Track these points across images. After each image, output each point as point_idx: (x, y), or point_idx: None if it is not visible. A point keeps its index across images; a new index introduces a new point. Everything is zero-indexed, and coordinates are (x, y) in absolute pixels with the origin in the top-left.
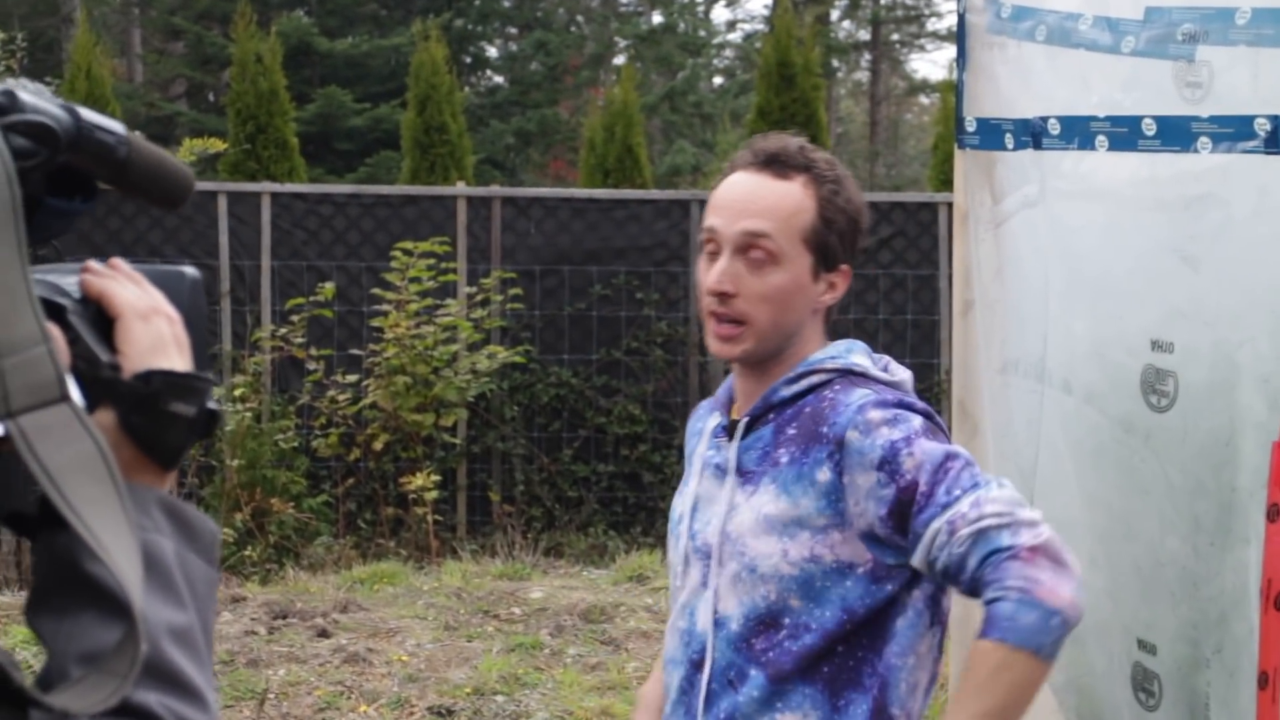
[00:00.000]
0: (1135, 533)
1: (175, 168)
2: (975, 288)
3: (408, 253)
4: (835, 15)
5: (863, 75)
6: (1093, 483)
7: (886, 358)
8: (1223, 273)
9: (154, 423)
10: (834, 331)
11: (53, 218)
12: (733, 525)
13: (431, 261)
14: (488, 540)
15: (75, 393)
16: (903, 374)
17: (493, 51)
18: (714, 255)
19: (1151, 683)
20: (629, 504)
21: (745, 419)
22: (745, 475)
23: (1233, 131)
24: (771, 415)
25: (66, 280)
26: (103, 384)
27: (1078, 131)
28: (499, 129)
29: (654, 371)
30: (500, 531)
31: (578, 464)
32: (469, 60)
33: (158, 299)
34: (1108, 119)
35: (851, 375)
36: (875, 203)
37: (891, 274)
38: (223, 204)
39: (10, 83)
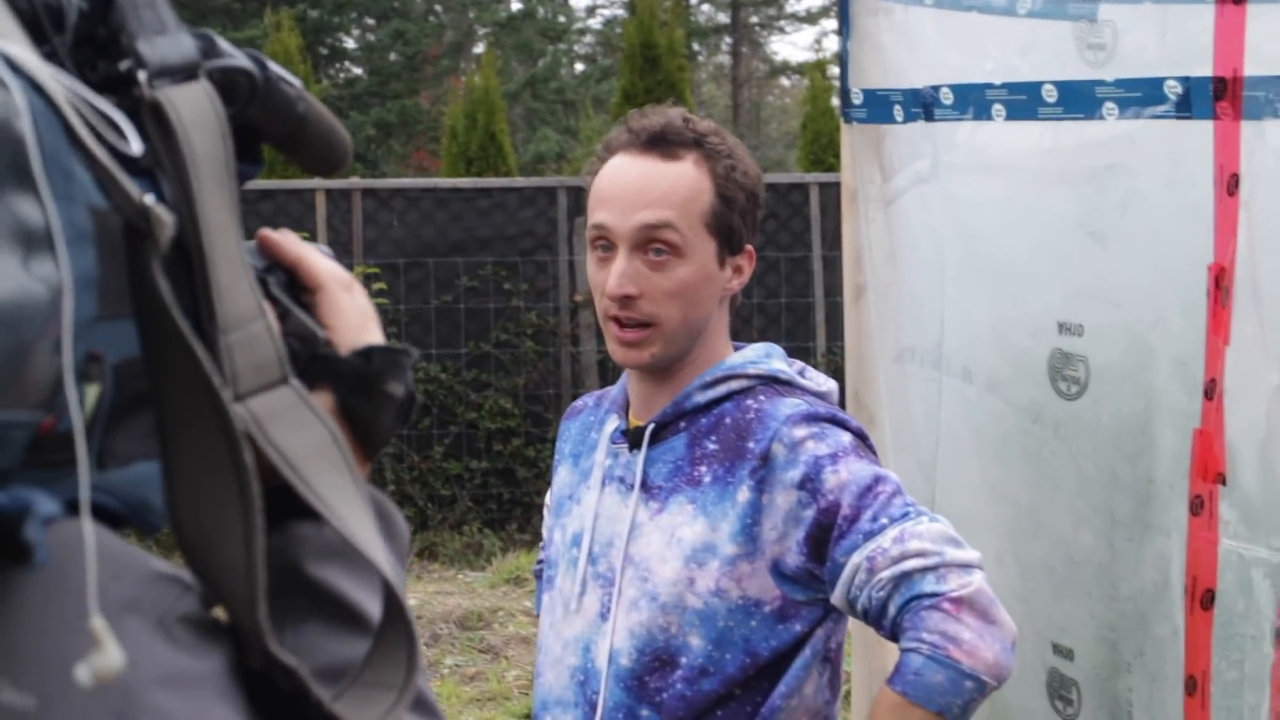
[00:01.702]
0: (1046, 529)
1: (341, 128)
2: (867, 271)
3: None
4: None
5: (724, 59)
6: (998, 476)
7: (801, 364)
8: (1133, 248)
9: (373, 405)
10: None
11: None
12: (636, 547)
13: None
14: None
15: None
16: (828, 384)
17: (350, 43)
18: (606, 254)
19: (1069, 690)
20: (504, 500)
21: (650, 426)
22: (651, 491)
23: (1140, 96)
24: (683, 424)
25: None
26: (320, 363)
27: (972, 100)
28: (358, 120)
29: (525, 364)
30: None
31: (449, 461)
32: (326, 52)
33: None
34: (1005, 86)
35: (776, 383)
36: None
37: (764, 256)
38: None
39: None
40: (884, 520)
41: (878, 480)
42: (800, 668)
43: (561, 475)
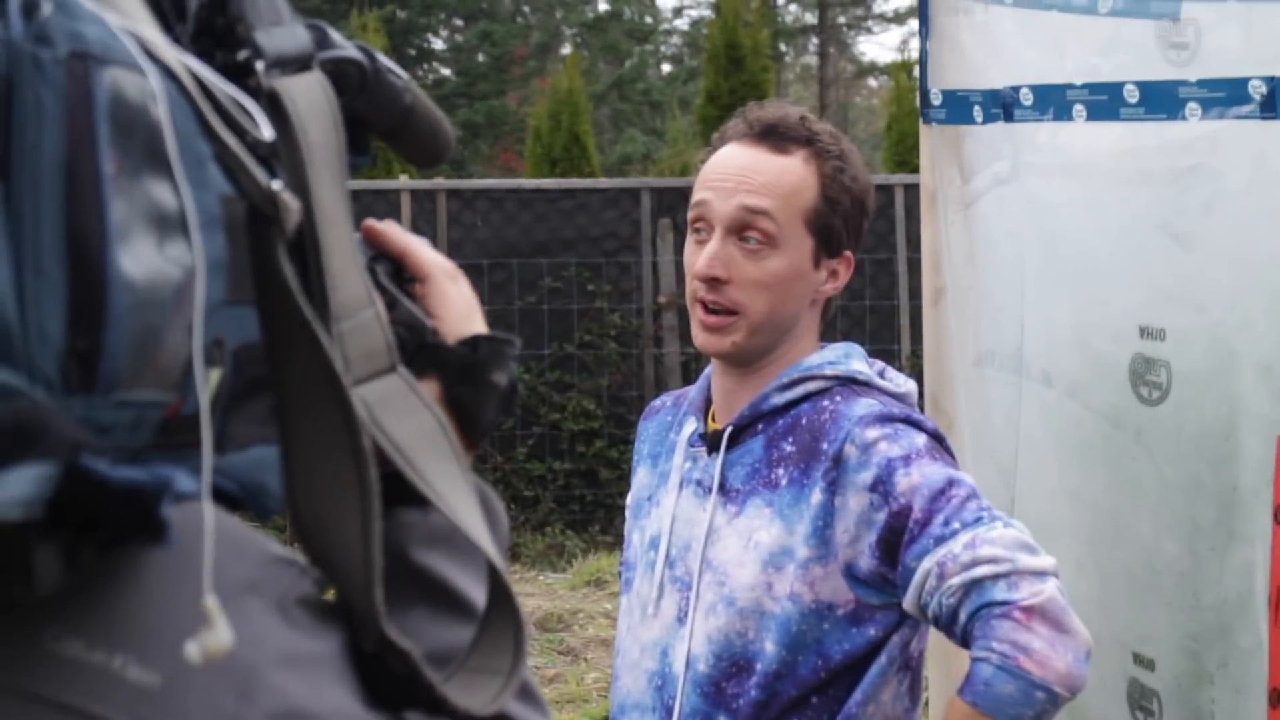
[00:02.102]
0: (1127, 536)
1: (445, 120)
2: (946, 274)
3: None
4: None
5: (811, 59)
6: (1078, 482)
7: (882, 364)
8: (1216, 250)
9: (478, 394)
10: None
11: None
12: (714, 551)
13: None
14: None
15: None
16: (907, 385)
17: (439, 43)
18: (703, 236)
19: (1150, 700)
20: (586, 502)
21: (729, 429)
22: (729, 494)
23: (1224, 96)
24: (760, 426)
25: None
26: (427, 352)
27: (1053, 101)
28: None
29: (608, 365)
30: None
31: (532, 462)
32: (413, 53)
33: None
34: (1085, 86)
35: (853, 384)
36: None
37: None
38: None
39: None
40: (956, 525)
41: (951, 483)
42: (877, 674)
43: (640, 476)
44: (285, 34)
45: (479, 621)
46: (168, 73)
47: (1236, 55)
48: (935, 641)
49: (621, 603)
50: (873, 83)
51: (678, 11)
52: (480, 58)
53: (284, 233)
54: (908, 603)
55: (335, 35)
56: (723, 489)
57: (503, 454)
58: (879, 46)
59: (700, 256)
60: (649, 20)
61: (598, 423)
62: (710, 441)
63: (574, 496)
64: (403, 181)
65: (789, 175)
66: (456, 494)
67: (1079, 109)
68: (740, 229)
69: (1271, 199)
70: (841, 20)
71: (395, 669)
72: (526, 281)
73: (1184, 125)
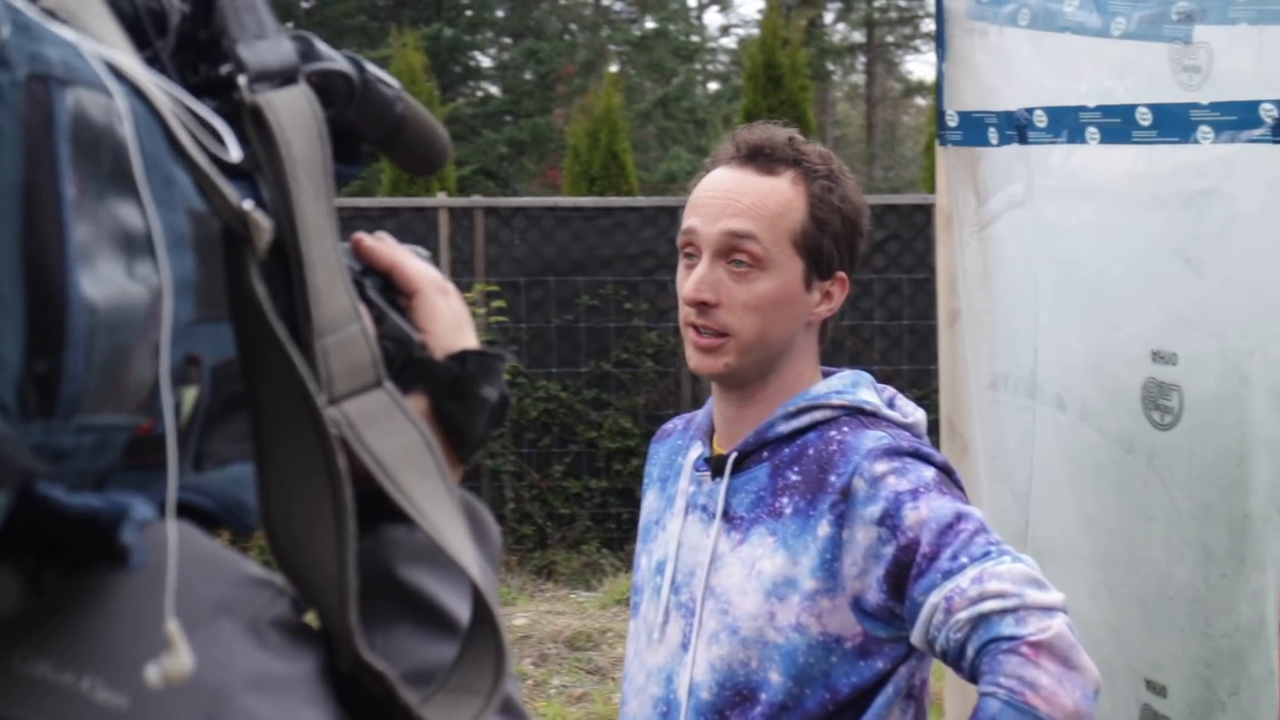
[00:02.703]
0: (1139, 562)
1: (439, 128)
2: (961, 296)
3: None
4: (829, 18)
5: (858, 78)
6: (1092, 507)
7: (892, 391)
8: (1228, 275)
9: (466, 409)
10: (830, 341)
11: None
12: (717, 579)
13: None
14: None
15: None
16: (916, 414)
17: (486, 61)
18: (692, 259)
19: None
20: (623, 520)
21: (733, 455)
22: (733, 521)
23: (1236, 119)
24: (765, 453)
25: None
26: (415, 367)
27: (1066, 123)
28: (491, 138)
29: (645, 383)
30: None
31: (569, 480)
32: (459, 70)
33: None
34: (1098, 109)
35: (861, 415)
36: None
37: (886, 278)
38: None
39: None
40: (964, 559)
41: (959, 518)
42: (883, 705)
43: (649, 500)
44: (269, 47)
45: (462, 640)
46: (136, 92)
47: (1248, 79)
48: (953, 671)
49: (630, 626)
50: (920, 101)
51: (724, 30)
52: (527, 75)
53: (256, 251)
54: (915, 637)
55: (322, 47)
56: (727, 516)
57: (539, 471)
58: (926, 65)
59: (689, 281)
60: (695, 39)
61: (634, 441)
62: (715, 467)
63: (610, 514)
64: (441, 199)
65: (775, 196)
66: (439, 511)
67: (1092, 131)
68: (728, 252)
69: None
70: (889, 39)
71: (372, 690)
72: (563, 299)
73: (1196, 149)
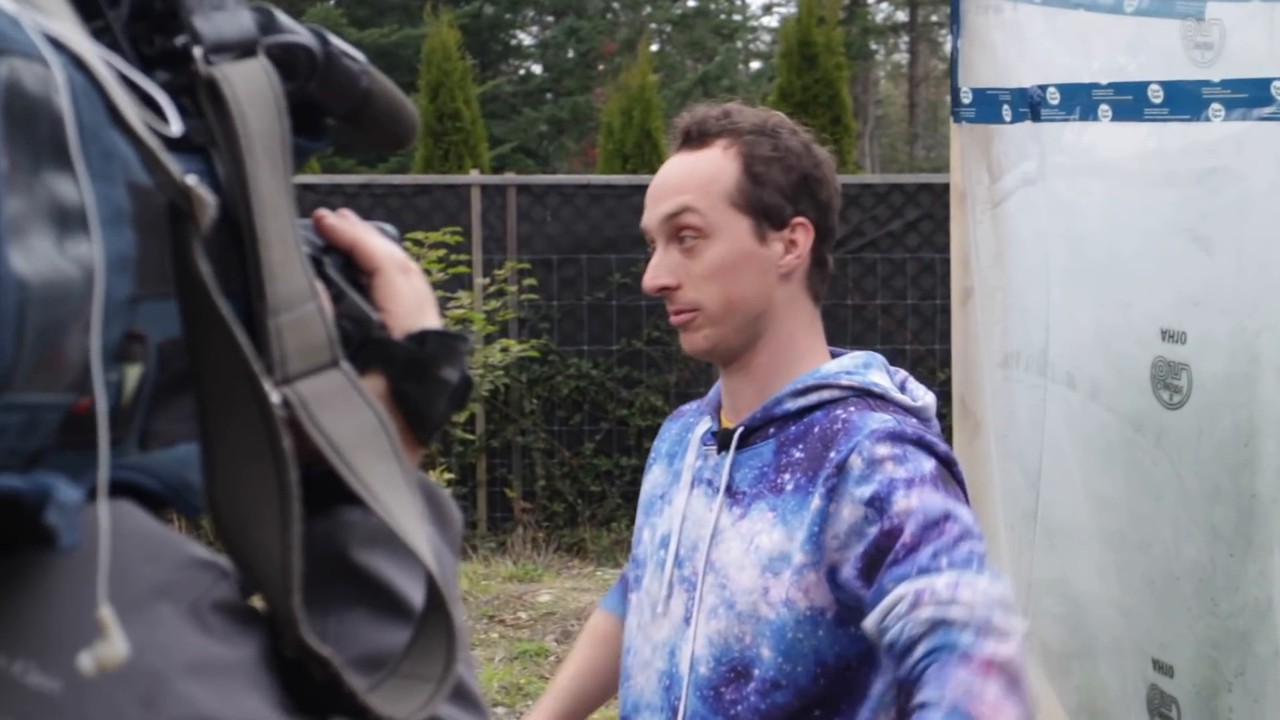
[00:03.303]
0: (1148, 541)
1: (407, 103)
2: (974, 274)
3: (418, 244)
4: None
5: (901, 57)
6: (1101, 486)
7: (904, 374)
8: (1239, 254)
9: (425, 390)
10: (861, 319)
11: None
12: (717, 553)
13: (443, 253)
14: (508, 537)
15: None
16: (926, 398)
17: (527, 39)
18: (653, 252)
19: (1169, 707)
20: None
21: (739, 429)
22: (735, 496)
23: (1247, 97)
24: (772, 430)
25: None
26: (373, 346)
27: (1079, 100)
28: (531, 116)
29: (676, 361)
30: (520, 528)
31: (600, 457)
32: (499, 48)
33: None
34: (1110, 86)
35: (869, 396)
36: (901, 185)
37: (919, 258)
38: None
39: None
40: (944, 561)
41: (947, 517)
42: (884, 687)
43: (655, 474)
44: (226, 19)
45: (415, 626)
46: (77, 63)
47: (1260, 56)
48: None
49: (631, 600)
50: None
51: (767, 8)
52: (569, 54)
53: (199, 227)
54: (869, 622)
55: (284, 19)
56: (730, 490)
57: (570, 449)
58: None
59: (647, 272)
60: (736, 18)
61: (665, 418)
62: (721, 440)
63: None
64: (473, 176)
65: (702, 164)
66: (393, 493)
67: (1104, 109)
68: (675, 233)
69: None
70: (933, 18)
71: (317, 676)
72: (595, 277)
73: (1207, 126)
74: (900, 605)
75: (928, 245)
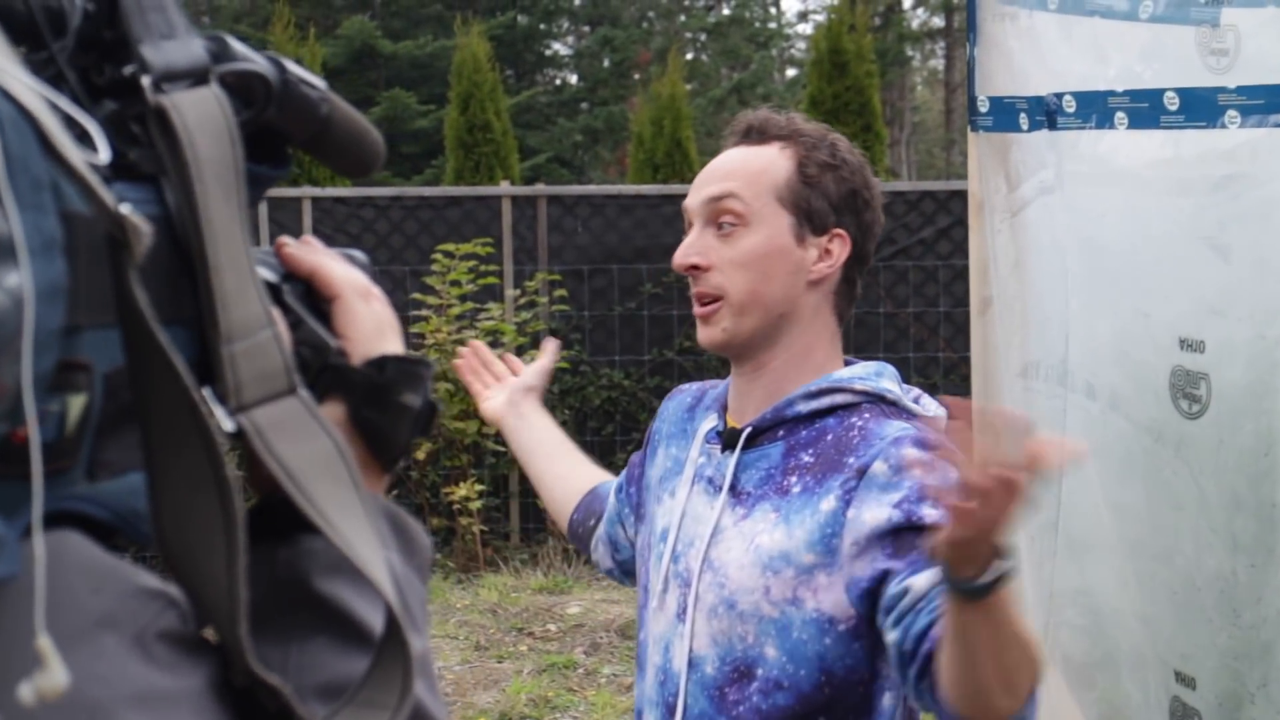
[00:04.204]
0: (1169, 552)
1: (371, 130)
2: (993, 283)
3: (449, 255)
4: (909, 2)
5: (938, 63)
6: (1121, 496)
7: (916, 390)
8: (1257, 261)
9: (387, 416)
10: (894, 327)
11: (248, 186)
12: (716, 552)
13: (473, 264)
14: (539, 549)
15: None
16: (939, 410)
17: (563, 49)
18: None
19: (1192, 719)
20: None
21: (747, 429)
22: (739, 496)
23: (1263, 103)
24: (782, 432)
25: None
26: (331, 373)
27: (1095, 108)
28: (566, 127)
29: (708, 371)
30: (553, 539)
31: None
32: (533, 59)
33: (365, 277)
34: (1126, 93)
35: (883, 404)
36: (933, 192)
37: (951, 265)
38: (263, 210)
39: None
40: None
41: None
42: (894, 705)
43: (660, 457)
44: (176, 47)
45: (373, 654)
46: (5, 94)
47: (1276, 62)
48: None
49: (639, 595)
50: None
51: (803, 15)
52: (605, 63)
53: (134, 255)
54: (884, 597)
55: (239, 47)
56: (734, 490)
57: (603, 460)
58: None
59: (679, 249)
60: (771, 26)
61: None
62: (726, 440)
63: None
64: (504, 188)
65: (759, 158)
66: (349, 521)
67: (1120, 116)
68: (714, 217)
69: None
70: None
71: (267, 705)
72: (627, 287)
73: (1223, 133)
74: (913, 598)
75: (959, 252)
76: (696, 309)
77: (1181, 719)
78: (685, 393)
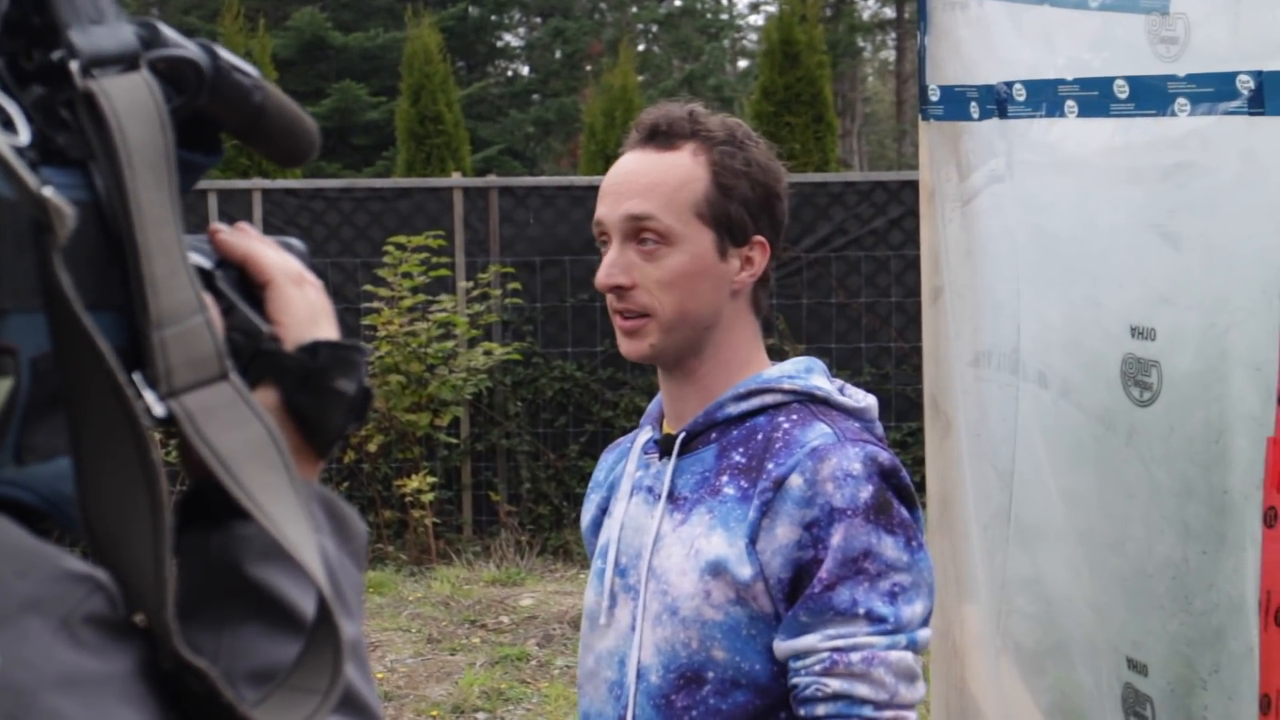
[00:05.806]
0: (1121, 539)
1: (306, 119)
2: (944, 272)
3: (400, 247)
4: None
5: (889, 54)
6: (1073, 484)
7: (841, 382)
8: (1206, 249)
9: (320, 402)
10: (845, 317)
11: (180, 173)
12: (659, 559)
13: (425, 256)
14: (493, 541)
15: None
16: (866, 400)
17: (514, 40)
18: (605, 248)
19: (1144, 706)
20: None
21: (681, 435)
22: (677, 502)
23: (1213, 91)
24: (714, 434)
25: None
26: (263, 359)
27: (1045, 97)
28: (518, 118)
29: None
30: (505, 531)
31: (585, 459)
32: (485, 50)
33: (299, 263)
34: (1076, 82)
35: (812, 402)
36: (884, 182)
37: (903, 255)
38: (213, 202)
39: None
40: (861, 609)
41: (867, 554)
42: None
43: (592, 501)
44: (105, 33)
45: (305, 639)
46: None
47: (1225, 50)
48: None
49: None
50: None
51: (754, 7)
52: (556, 55)
53: (57, 239)
54: (778, 648)
55: (170, 34)
56: (671, 496)
57: (555, 451)
58: None
59: (600, 269)
60: (723, 17)
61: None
62: (663, 447)
63: None
64: (455, 179)
65: (674, 170)
66: (280, 506)
67: (1070, 105)
68: (634, 234)
69: (1260, 196)
70: None
71: (194, 688)
72: (579, 278)
73: (1173, 121)
74: (812, 661)
75: (911, 242)
76: (620, 322)
77: (1134, 705)
78: (615, 449)
